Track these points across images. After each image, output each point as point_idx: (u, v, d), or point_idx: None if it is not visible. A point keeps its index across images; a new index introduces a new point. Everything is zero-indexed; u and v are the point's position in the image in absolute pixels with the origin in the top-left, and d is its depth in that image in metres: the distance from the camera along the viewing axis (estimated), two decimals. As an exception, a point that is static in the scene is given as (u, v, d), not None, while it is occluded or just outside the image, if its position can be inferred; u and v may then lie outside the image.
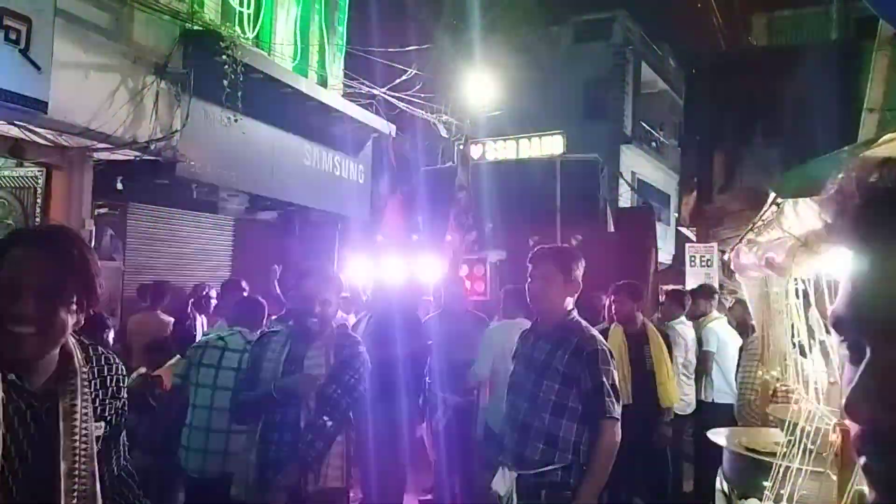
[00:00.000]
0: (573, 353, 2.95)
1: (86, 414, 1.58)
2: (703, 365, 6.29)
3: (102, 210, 7.23)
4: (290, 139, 8.74)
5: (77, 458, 1.54)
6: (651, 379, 4.96)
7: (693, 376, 6.19)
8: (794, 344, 3.34)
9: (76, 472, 1.53)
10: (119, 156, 6.55)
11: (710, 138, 18.60)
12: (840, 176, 0.67)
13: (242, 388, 3.17)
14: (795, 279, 3.08)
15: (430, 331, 5.85)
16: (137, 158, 6.62)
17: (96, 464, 1.59)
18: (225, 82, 6.81)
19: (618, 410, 2.93)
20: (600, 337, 3.07)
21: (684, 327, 6.45)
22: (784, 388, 3.68)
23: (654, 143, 24.36)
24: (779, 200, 2.65)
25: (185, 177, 7.10)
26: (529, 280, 3.10)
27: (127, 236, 7.67)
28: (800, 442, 2.87)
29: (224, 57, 6.85)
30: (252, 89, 7.18)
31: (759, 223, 3.38)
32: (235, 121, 7.17)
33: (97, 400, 1.65)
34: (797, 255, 2.58)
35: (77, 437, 1.55)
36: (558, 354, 2.97)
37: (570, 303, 3.08)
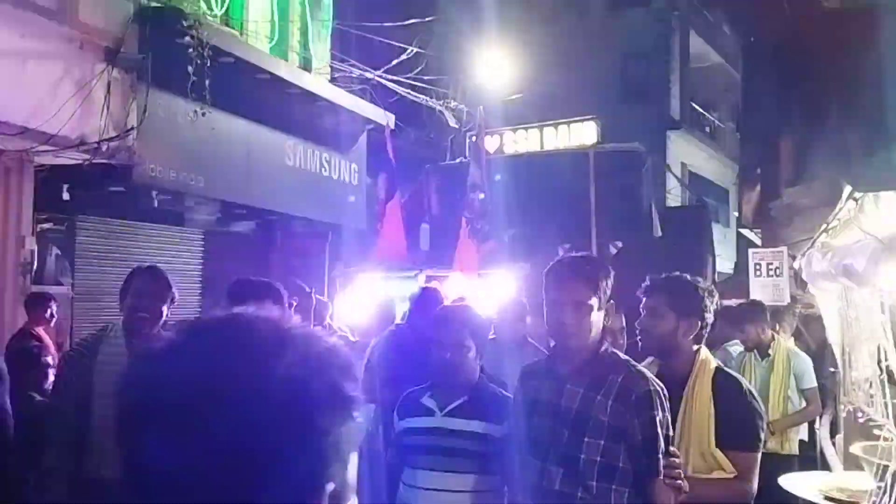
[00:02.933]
0: (618, 398, 2.70)
1: None
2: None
3: (46, 225, 7.28)
4: (268, 135, 8.79)
5: None
6: None
7: None
8: (881, 369, 3.31)
9: None
10: (65, 159, 6.60)
11: (775, 120, 18.50)
12: None
13: None
14: (881, 290, 3.06)
15: None
16: (86, 162, 6.66)
17: None
18: (189, 69, 6.86)
19: None
20: (650, 374, 2.84)
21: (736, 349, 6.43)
22: (870, 422, 3.64)
23: (707, 128, 24.32)
24: (857, 195, 2.64)
25: (143, 183, 7.15)
26: (549, 306, 2.83)
27: (76, 256, 7.71)
28: (892, 489, 2.84)
29: (188, 39, 6.90)
30: (222, 76, 7.23)
31: (834, 223, 3.36)
32: (203, 114, 7.22)
33: None
34: (881, 262, 2.56)
35: None
36: (598, 400, 2.71)
37: (600, 331, 2.85)
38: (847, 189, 2.68)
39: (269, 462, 0.85)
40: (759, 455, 3.09)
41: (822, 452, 6.22)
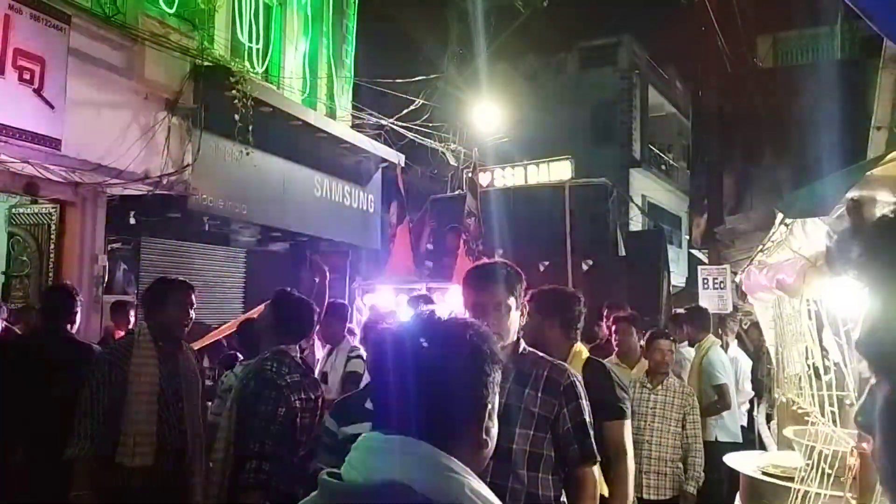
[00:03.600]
0: (546, 390, 2.43)
1: None
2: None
3: (116, 245, 7.28)
4: (300, 171, 8.80)
5: None
6: None
7: None
8: (808, 366, 3.30)
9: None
10: (132, 191, 6.61)
11: (718, 160, 18.58)
12: (845, 212, 0.71)
13: None
14: (808, 300, 3.05)
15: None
16: (150, 193, 6.68)
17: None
18: (235, 116, 6.88)
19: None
20: (570, 367, 2.62)
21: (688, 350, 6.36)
22: (800, 410, 3.62)
23: (663, 166, 24.36)
24: (787, 221, 2.64)
25: (197, 210, 7.15)
26: (471, 309, 2.49)
27: (140, 270, 7.71)
28: (817, 466, 2.81)
29: (234, 91, 6.93)
30: (262, 123, 7.25)
31: (769, 244, 3.36)
32: (246, 154, 7.23)
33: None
34: (808, 276, 2.56)
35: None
36: (528, 393, 2.42)
37: (518, 331, 2.56)
38: (779, 216, 2.68)
39: (466, 389, 1.16)
40: (627, 422, 3.11)
41: (759, 436, 6.15)
